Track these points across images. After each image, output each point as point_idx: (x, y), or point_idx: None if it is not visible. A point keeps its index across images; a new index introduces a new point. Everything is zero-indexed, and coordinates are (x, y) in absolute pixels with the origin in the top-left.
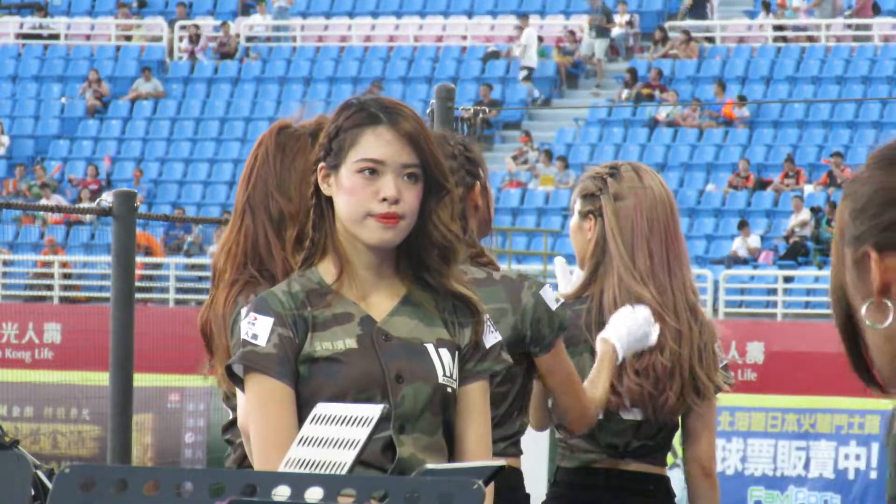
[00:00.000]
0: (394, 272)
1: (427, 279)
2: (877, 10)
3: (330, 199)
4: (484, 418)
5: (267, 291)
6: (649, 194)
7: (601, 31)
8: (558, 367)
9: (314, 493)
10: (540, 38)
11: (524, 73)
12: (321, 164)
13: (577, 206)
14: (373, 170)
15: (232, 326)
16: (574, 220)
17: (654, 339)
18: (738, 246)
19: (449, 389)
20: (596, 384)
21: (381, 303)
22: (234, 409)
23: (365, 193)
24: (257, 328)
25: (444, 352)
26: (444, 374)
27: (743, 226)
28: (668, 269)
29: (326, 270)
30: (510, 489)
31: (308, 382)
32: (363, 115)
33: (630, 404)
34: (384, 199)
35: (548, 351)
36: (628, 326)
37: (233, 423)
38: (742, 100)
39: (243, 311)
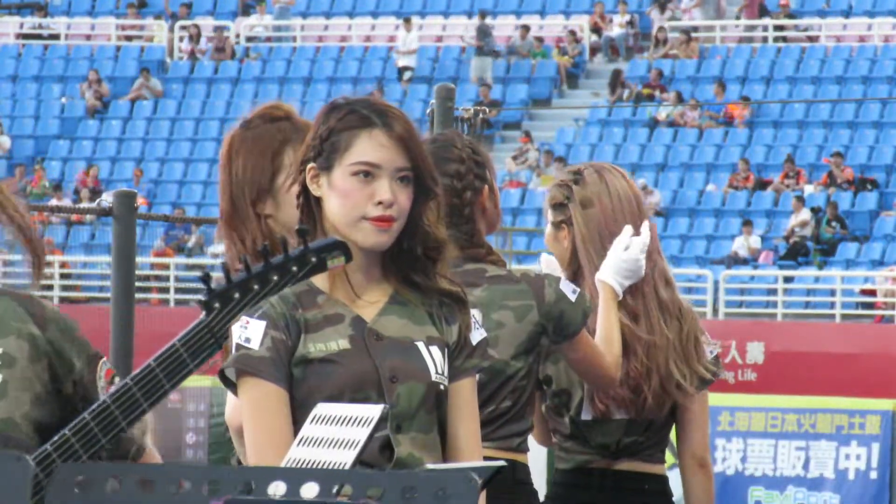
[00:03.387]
0: (381, 273)
1: (414, 279)
2: (763, 12)
3: (318, 200)
4: (474, 415)
5: None
6: (613, 195)
7: (480, 50)
8: (582, 349)
9: (310, 489)
10: (540, 39)
11: (408, 74)
12: (310, 165)
13: (550, 216)
14: (367, 172)
15: None
16: (548, 230)
17: (644, 269)
18: (740, 245)
19: (441, 387)
20: (611, 336)
21: (370, 303)
22: None
23: (360, 196)
24: (250, 332)
25: (435, 349)
26: (437, 372)
27: (746, 224)
28: None
29: None
30: (522, 483)
31: (302, 384)
32: (356, 117)
33: (616, 407)
34: (379, 203)
35: (573, 338)
36: (620, 264)
37: None
38: (746, 100)
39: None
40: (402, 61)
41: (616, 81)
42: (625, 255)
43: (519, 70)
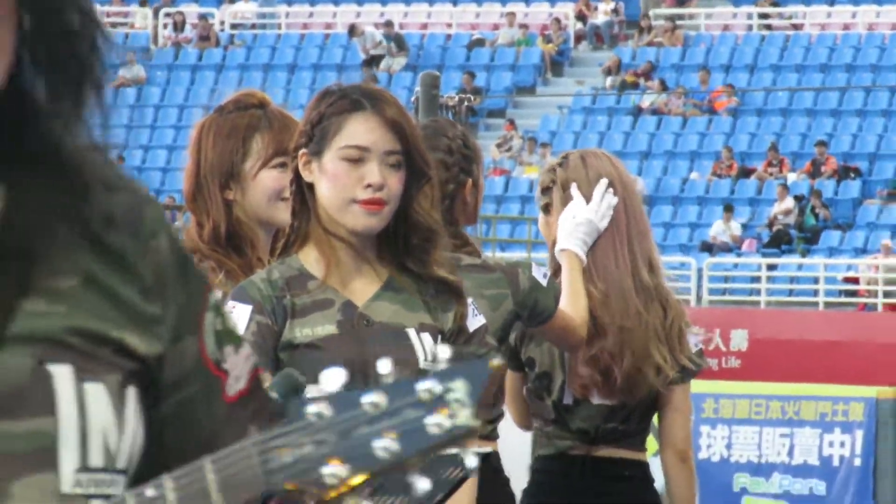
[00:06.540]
0: (375, 258)
1: (408, 265)
2: None
3: (311, 186)
4: None
5: (246, 280)
6: (592, 179)
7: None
8: (555, 328)
9: None
10: (525, 26)
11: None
12: (302, 151)
13: (540, 201)
14: (357, 157)
15: None
16: (540, 215)
17: (607, 220)
18: (720, 231)
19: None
20: (577, 301)
21: (363, 288)
22: None
23: (349, 179)
24: (235, 316)
25: (426, 336)
26: (426, 359)
27: (727, 209)
28: (613, 253)
29: (307, 257)
30: (495, 471)
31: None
32: (346, 101)
33: (592, 390)
34: (368, 186)
35: (549, 321)
36: (578, 228)
37: None
38: (730, 88)
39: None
40: (372, 53)
41: (612, 67)
42: (576, 218)
43: (503, 58)
